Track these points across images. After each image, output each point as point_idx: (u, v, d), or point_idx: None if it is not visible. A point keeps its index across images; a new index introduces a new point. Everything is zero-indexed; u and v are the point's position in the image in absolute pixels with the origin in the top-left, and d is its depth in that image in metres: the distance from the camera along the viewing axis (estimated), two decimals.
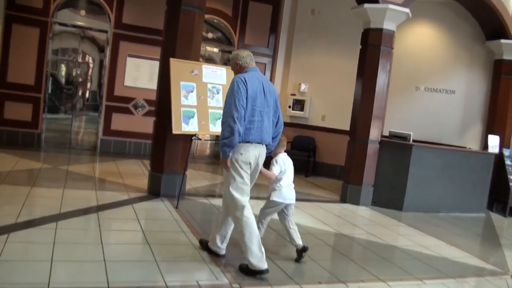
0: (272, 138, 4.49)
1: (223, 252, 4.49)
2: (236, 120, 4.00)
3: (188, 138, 6.81)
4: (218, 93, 6.74)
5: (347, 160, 8.38)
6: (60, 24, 9.96)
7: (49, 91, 9.98)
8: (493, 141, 9.03)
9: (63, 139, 10.26)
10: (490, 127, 10.16)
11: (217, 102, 6.73)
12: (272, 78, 11.63)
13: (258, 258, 4.10)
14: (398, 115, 10.54)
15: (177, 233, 5.18)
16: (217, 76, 6.82)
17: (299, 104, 11.24)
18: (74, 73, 10.29)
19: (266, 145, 4.39)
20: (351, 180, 8.18)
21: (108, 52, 10.25)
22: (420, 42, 10.70)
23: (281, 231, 5.82)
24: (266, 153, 4.45)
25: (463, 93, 10.58)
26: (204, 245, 4.61)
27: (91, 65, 10.50)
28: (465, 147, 9.79)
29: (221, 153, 4.16)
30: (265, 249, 4.72)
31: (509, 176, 9.21)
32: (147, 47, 10.36)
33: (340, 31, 10.71)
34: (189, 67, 6.62)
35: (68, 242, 4.43)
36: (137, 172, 8.54)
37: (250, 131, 4.16)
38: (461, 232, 7.14)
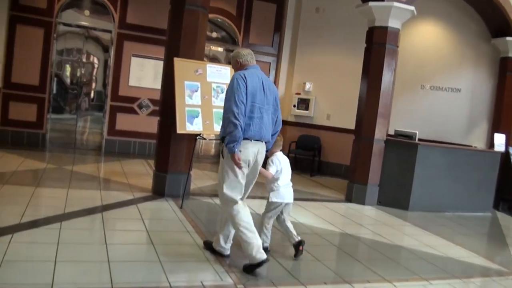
0: (271, 135, 4.49)
1: (227, 252, 4.48)
2: (236, 115, 4.03)
3: (193, 137, 6.79)
4: (222, 93, 6.70)
5: (352, 159, 8.34)
6: (64, 24, 9.97)
7: (54, 91, 9.99)
8: (499, 140, 8.96)
9: (67, 139, 10.27)
10: (496, 126, 10.11)
11: (221, 101, 6.67)
12: (276, 77, 11.61)
13: (256, 249, 4.12)
14: (403, 114, 10.49)
15: (182, 233, 5.16)
16: (221, 75, 6.80)
17: (304, 103, 11.21)
18: (78, 73, 10.30)
19: (265, 142, 4.39)
20: (357, 179, 8.14)
21: (112, 52, 10.25)
22: (425, 40, 10.65)
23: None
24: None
25: (468, 91, 10.53)
26: (208, 246, 4.59)
27: (95, 65, 10.51)
28: (471, 146, 9.73)
29: (226, 150, 4.15)
30: (270, 250, 4.74)
31: None
32: (151, 46, 10.36)
33: (345, 30, 10.67)
34: (193, 67, 6.61)
35: (72, 242, 4.42)
36: (142, 172, 8.53)
37: (250, 127, 4.17)
38: (467, 232, 7.09)
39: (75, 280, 3.61)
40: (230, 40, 11.37)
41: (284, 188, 4.71)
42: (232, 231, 4.45)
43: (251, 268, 4.15)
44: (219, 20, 11.13)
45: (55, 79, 10.01)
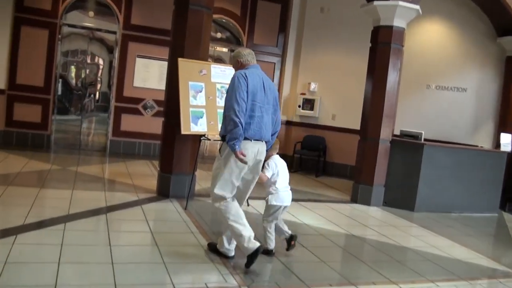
0: (271, 135, 4.51)
1: (232, 253, 4.45)
2: (237, 112, 4.04)
3: (197, 138, 6.77)
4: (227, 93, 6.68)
5: (358, 159, 8.30)
6: (69, 25, 9.98)
7: (59, 92, 9.99)
8: (506, 139, 8.88)
9: (72, 140, 10.27)
10: (502, 125, 10.05)
11: None
12: (281, 78, 11.58)
13: (247, 239, 4.14)
14: (409, 114, 10.45)
15: (186, 234, 5.14)
16: (226, 75, 6.77)
17: (309, 104, 11.17)
18: (83, 74, 10.30)
19: (266, 142, 4.40)
20: (362, 180, 8.09)
21: (117, 53, 10.25)
22: (431, 39, 10.59)
23: (292, 232, 5.78)
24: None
25: (474, 91, 10.47)
26: (213, 248, 4.57)
27: (100, 66, 10.50)
28: (477, 146, 9.67)
29: (224, 148, 4.19)
30: (275, 251, 4.71)
31: None
32: (156, 47, 10.35)
33: (350, 29, 10.63)
34: (198, 67, 6.59)
35: (76, 244, 4.41)
36: (147, 173, 8.52)
37: (250, 126, 4.18)
38: (474, 233, 7.04)
39: (79, 282, 3.60)
40: (235, 41, 11.35)
41: (283, 191, 4.70)
42: None
43: (249, 261, 4.18)
44: (223, 20, 11.11)
45: (60, 80, 10.01)
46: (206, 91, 6.61)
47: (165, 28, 9.81)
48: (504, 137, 8.90)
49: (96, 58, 10.46)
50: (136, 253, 4.42)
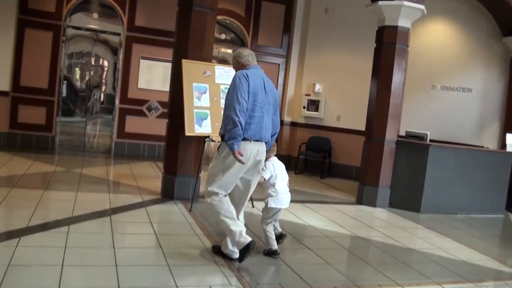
0: (271, 136, 4.52)
1: (236, 255, 4.42)
2: (238, 112, 4.04)
3: (201, 140, 6.75)
4: None
5: (363, 161, 8.25)
6: (73, 27, 9.99)
7: (63, 94, 10.00)
8: (511, 140, 8.84)
9: (77, 142, 10.28)
10: (508, 126, 9.99)
11: None
12: (286, 79, 11.56)
13: (238, 234, 4.20)
14: (414, 115, 10.41)
15: (191, 237, 5.11)
16: (230, 77, 6.70)
17: (313, 105, 11.14)
18: (87, 76, 10.30)
19: (265, 142, 4.41)
20: (367, 181, 8.05)
21: (121, 54, 10.25)
22: (436, 39, 10.55)
23: (296, 234, 5.76)
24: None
25: (480, 91, 10.42)
26: (217, 250, 4.54)
27: (104, 68, 10.51)
28: (483, 147, 9.62)
29: (223, 148, 4.21)
30: (279, 253, 4.69)
31: None
32: (160, 49, 10.34)
33: (354, 30, 10.59)
34: (202, 68, 6.57)
35: (80, 246, 4.38)
36: (151, 175, 8.50)
37: (250, 126, 4.18)
38: (480, 234, 6.98)
39: (82, 285, 3.59)
40: (239, 42, 11.32)
41: (282, 193, 4.71)
42: None
43: (241, 255, 4.24)
44: (227, 21, 11.10)
45: (64, 82, 10.02)
46: (210, 92, 6.59)
47: (169, 30, 9.80)
48: (510, 138, 8.85)
49: (101, 60, 10.47)
50: (140, 255, 4.39)
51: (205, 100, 6.55)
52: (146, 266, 4.12)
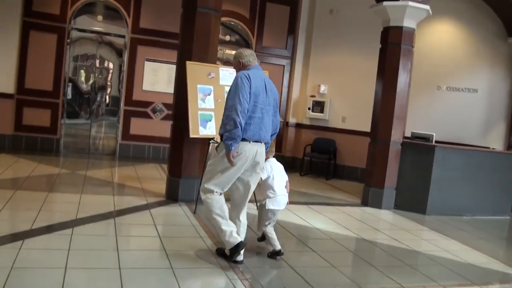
0: (270, 136, 4.53)
1: (240, 258, 4.39)
2: (239, 113, 4.04)
3: (206, 141, 6.73)
4: None
5: (368, 162, 8.22)
6: (78, 30, 10.00)
7: (68, 96, 10.02)
8: None
9: (82, 144, 10.29)
10: None
11: None
12: (291, 80, 11.54)
13: (228, 234, 4.24)
14: (419, 115, 10.37)
15: (195, 239, 5.09)
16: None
17: (318, 106, 11.10)
18: (92, 78, 10.31)
19: (265, 143, 4.41)
20: (373, 182, 8.01)
21: (126, 56, 10.25)
22: (441, 39, 10.50)
23: (301, 236, 5.74)
24: None
25: (485, 91, 10.36)
26: (222, 253, 4.51)
27: (109, 70, 10.52)
28: (489, 147, 9.56)
29: (222, 147, 4.20)
30: (284, 254, 4.66)
31: None
32: (164, 51, 10.34)
33: (359, 30, 10.55)
34: (206, 70, 6.55)
35: (83, 249, 4.37)
36: (156, 177, 8.49)
37: (249, 127, 4.18)
38: (486, 236, 6.93)
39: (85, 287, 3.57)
40: (244, 43, 11.30)
41: (280, 195, 4.70)
42: (242, 235, 4.43)
43: (231, 254, 4.28)
44: (232, 23, 11.08)
45: (69, 84, 10.04)
46: (214, 94, 6.57)
47: (173, 32, 9.81)
48: None
49: (105, 62, 10.48)
50: (144, 258, 4.37)
51: (209, 102, 6.53)
52: (149, 268, 4.09)
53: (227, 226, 4.28)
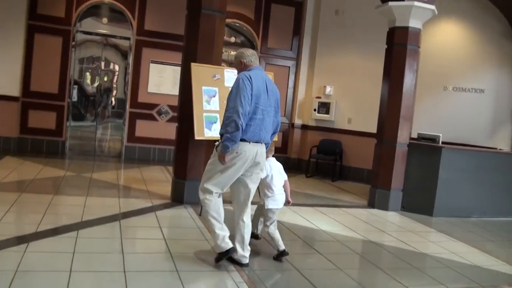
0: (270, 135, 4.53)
1: (246, 261, 4.37)
2: (241, 115, 4.03)
3: (211, 143, 6.69)
4: None
5: (375, 163, 8.17)
6: (83, 32, 10.01)
7: (73, 99, 10.02)
8: None
9: (87, 146, 10.30)
10: None
11: None
12: (296, 81, 11.51)
13: (221, 238, 4.25)
14: (426, 116, 10.30)
15: (200, 242, 5.06)
16: None
17: (324, 107, 11.06)
18: (97, 81, 10.33)
19: (265, 144, 4.40)
20: (379, 184, 7.96)
21: (131, 59, 10.25)
22: (447, 40, 10.44)
23: (307, 238, 5.71)
24: None
25: (492, 92, 10.28)
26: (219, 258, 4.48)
27: (114, 72, 10.53)
28: (496, 148, 9.49)
29: (220, 147, 4.15)
30: (289, 256, 4.63)
31: None
32: (169, 52, 10.33)
33: (365, 31, 10.52)
34: (211, 72, 6.53)
35: (89, 252, 4.35)
36: (161, 179, 8.48)
37: (250, 128, 4.17)
38: (494, 238, 6.86)
39: None
40: (249, 45, 11.28)
41: (278, 194, 4.71)
42: (246, 237, 4.39)
43: (218, 257, 4.33)
44: (237, 24, 11.07)
45: (75, 86, 10.05)
46: (219, 95, 6.54)
47: (178, 33, 9.79)
48: None
49: (111, 64, 10.49)
50: (149, 260, 4.35)
51: (214, 104, 6.50)
52: (155, 271, 4.08)
53: (221, 230, 4.28)
